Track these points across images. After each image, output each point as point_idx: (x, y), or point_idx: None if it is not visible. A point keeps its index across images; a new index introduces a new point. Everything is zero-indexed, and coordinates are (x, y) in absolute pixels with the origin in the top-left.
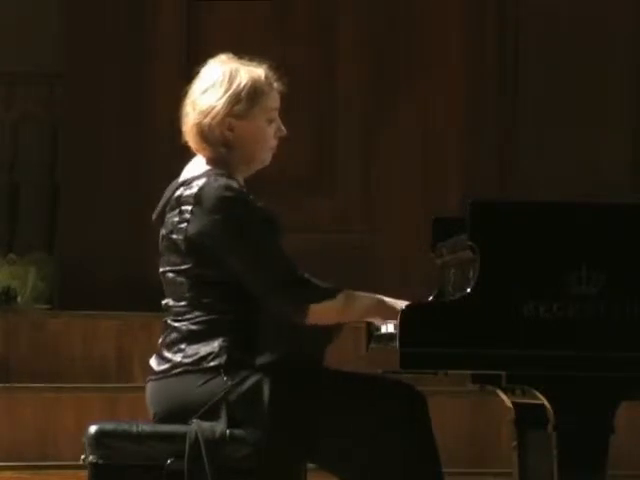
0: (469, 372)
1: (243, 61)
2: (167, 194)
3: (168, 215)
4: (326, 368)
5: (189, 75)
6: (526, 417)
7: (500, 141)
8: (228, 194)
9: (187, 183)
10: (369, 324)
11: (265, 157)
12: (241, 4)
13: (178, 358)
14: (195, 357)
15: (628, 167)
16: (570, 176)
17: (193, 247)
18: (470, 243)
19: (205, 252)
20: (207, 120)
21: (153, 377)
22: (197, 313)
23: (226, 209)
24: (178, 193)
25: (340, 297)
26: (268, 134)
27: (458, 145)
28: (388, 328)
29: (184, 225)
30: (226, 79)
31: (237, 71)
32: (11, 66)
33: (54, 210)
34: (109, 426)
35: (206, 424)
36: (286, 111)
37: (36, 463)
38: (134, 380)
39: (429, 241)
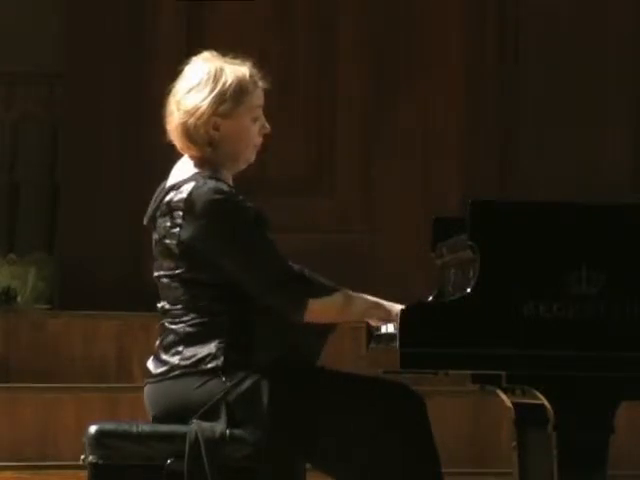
0: (469, 372)
1: (227, 59)
2: (157, 198)
3: (159, 220)
4: (325, 368)
5: None
6: (526, 417)
7: (500, 141)
8: (218, 197)
9: (176, 187)
10: (369, 324)
11: (249, 155)
12: (241, 4)
13: (176, 360)
14: (193, 359)
15: (628, 167)
16: (570, 176)
17: (186, 252)
18: (470, 243)
19: (198, 256)
20: (192, 120)
21: (151, 380)
22: (193, 315)
23: (217, 212)
24: (168, 198)
25: (338, 295)
26: (253, 132)
27: (458, 145)
28: (388, 328)
29: (176, 230)
30: (211, 78)
31: (222, 70)
32: (11, 66)
33: (54, 210)
34: (109, 426)
35: (206, 424)
36: (286, 111)
37: (36, 463)
38: (134, 380)
39: (429, 241)
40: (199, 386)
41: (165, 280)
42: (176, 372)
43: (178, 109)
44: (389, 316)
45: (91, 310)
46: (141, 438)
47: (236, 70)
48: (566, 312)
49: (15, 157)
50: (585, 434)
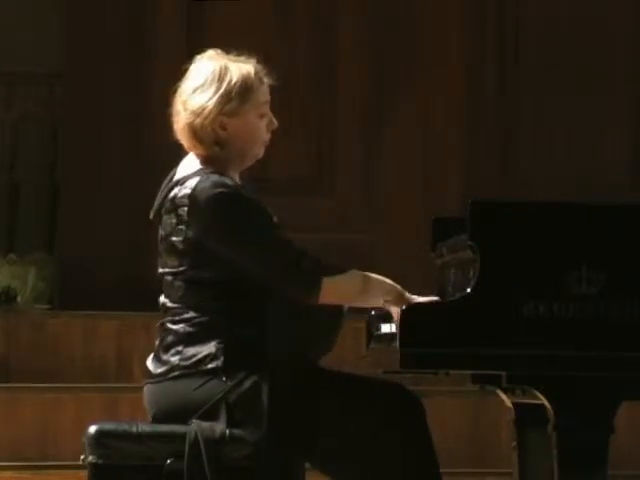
0: (469, 372)
1: (231, 56)
2: (162, 193)
3: (165, 217)
4: (325, 369)
5: None
6: (526, 417)
7: (500, 141)
8: (221, 190)
9: (181, 182)
10: (369, 324)
11: (258, 151)
12: (242, 4)
13: (176, 360)
14: (193, 359)
15: (628, 167)
16: (570, 176)
17: (192, 248)
18: (470, 243)
19: (203, 253)
20: (199, 120)
21: (151, 380)
22: (193, 314)
23: (221, 205)
24: (172, 194)
25: (354, 273)
26: (261, 129)
27: (458, 145)
28: (388, 328)
29: (182, 227)
30: (216, 77)
31: (226, 68)
32: (11, 66)
33: (54, 210)
34: (109, 426)
35: (206, 424)
36: (286, 111)
37: (36, 463)
38: (134, 380)
39: (429, 241)
40: (199, 386)
41: (169, 278)
42: (176, 372)
43: (185, 109)
44: (403, 301)
45: (91, 310)
46: (141, 438)
47: (241, 68)
48: (566, 312)
49: (15, 157)
50: (585, 434)
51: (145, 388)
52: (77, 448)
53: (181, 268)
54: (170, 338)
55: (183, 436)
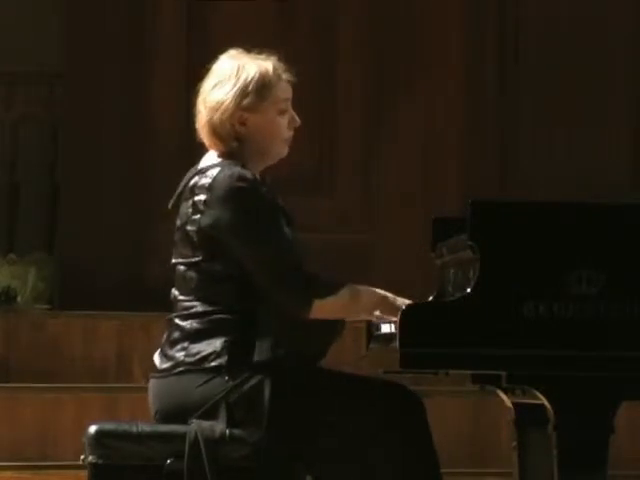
0: (469, 372)
1: (252, 55)
2: (183, 182)
3: (182, 205)
4: (325, 369)
5: (189, 75)
6: (526, 417)
7: (500, 141)
8: (241, 184)
9: (202, 171)
10: (369, 324)
11: (280, 149)
12: (242, 4)
13: (181, 357)
14: (197, 356)
15: (628, 167)
16: (570, 176)
17: (205, 239)
18: (470, 243)
19: (216, 244)
20: (218, 115)
21: (156, 374)
22: (202, 309)
23: (238, 199)
24: (193, 182)
25: (344, 293)
26: (281, 125)
27: (458, 145)
28: (388, 328)
29: (197, 217)
30: (234, 74)
31: (244, 65)
32: (11, 66)
33: (54, 210)
34: (109, 426)
35: (206, 424)
36: None
37: (36, 463)
38: (134, 380)
39: (429, 241)
40: (201, 384)
41: (181, 268)
42: (180, 368)
43: (205, 107)
44: (395, 310)
45: (91, 310)
46: (141, 438)
47: (259, 64)
48: (566, 312)
49: (15, 157)
50: (585, 434)
51: (150, 382)
52: (77, 448)
53: (194, 259)
54: (177, 334)
55: (183, 436)
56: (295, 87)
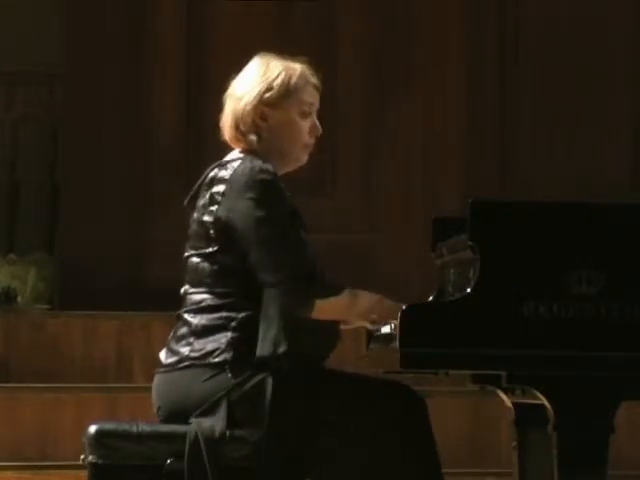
0: (469, 372)
1: (282, 57)
2: (202, 177)
3: (200, 198)
4: (327, 368)
5: (189, 75)
6: (526, 417)
7: (500, 141)
8: (262, 176)
9: (223, 164)
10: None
11: (299, 154)
12: (242, 4)
13: (186, 351)
14: (202, 351)
15: (628, 167)
16: (570, 176)
17: (221, 230)
18: (470, 243)
19: (231, 236)
20: (241, 106)
21: (161, 369)
22: (212, 303)
23: (258, 190)
24: (212, 174)
25: (344, 294)
26: (302, 128)
27: (458, 145)
28: (388, 328)
29: (214, 207)
30: (261, 69)
31: (272, 63)
32: (11, 66)
33: (54, 210)
34: (109, 426)
35: (206, 424)
36: None
37: (36, 463)
38: (134, 380)
39: (429, 241)
40: (204, 380)
41: (194, 260)
42: (185, 363)
43: (229, 100)
44: (393, 313)
45: (91, 310)
46: (141, 438)
47: (287, 65)
48: (566, 312)
49: (15, 157)
50: (585, 434)
51: (155, 378)
52: (77, 448)
53: (209, 249)
54: (184, 329)
55: (183, 436)
56: None
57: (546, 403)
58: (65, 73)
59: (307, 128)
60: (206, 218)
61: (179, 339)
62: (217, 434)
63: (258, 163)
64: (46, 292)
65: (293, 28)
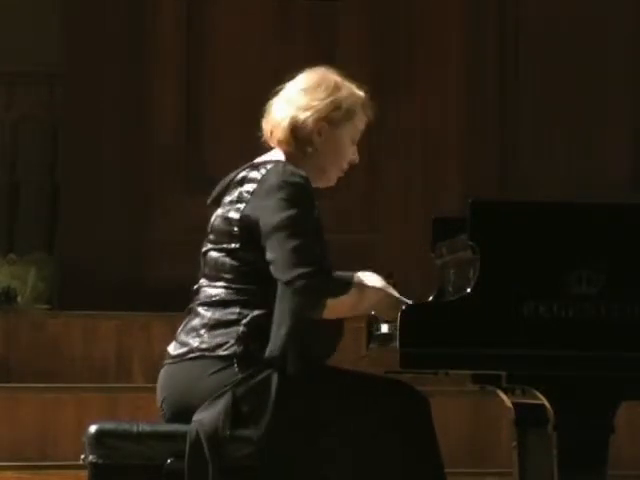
0: (469, 372)
1: (344, 77)
2: (230, 176)
3: (227, 195)
4: (329, 367)
5: (189, 75)
6: (526, 417)
7: (500, 141)
8: (293, 179)
9: (255, 166)
10: (369, 324)
11: (334, 175)
12: (242, 4)
13: (195, 343)
14: (211, 344)
15: (628, 167)
16: (570, 176)
17: (245, 227)
18: (470, 243)
19: (254, 232)
20: (305, 115)
21: (169, 361)
22: (227, 298)
23: (286, 192)
24: (242, 174)
25: (353, 292)
26: (348, 153)
27: (458, 145)
28: (388, 328)
29: (241, 205)
30: (331, 86)
31: (342, 84)
32: (11, 66)
33: (54, 210)
34: (109, 426)
35: (208, 422)
36: None
37: (36, 463)
38: (134, 380)
39: (429, 241)
40: (212, 373)
41: (214, 254)
42: (194, 354)
43: (289, 104)
44: (395, 308)
45: (91, 310)
46: (141, 438)
47: (355, 90)
48: (566, 312)
49: (15, 157)
50: (585, 434)
51: (162, 370)
52: (77, 448)
53: (232, 245)
54: (196, 321)
55: (183, 435)
56: None
57: (546, 403)
58: (65, 73)
59: (350, 153)
60: (232, 215)
61: (189, 331)
62: (219, 433)
63: (290, 168)
64: (46, 292)
65: (293, 28)
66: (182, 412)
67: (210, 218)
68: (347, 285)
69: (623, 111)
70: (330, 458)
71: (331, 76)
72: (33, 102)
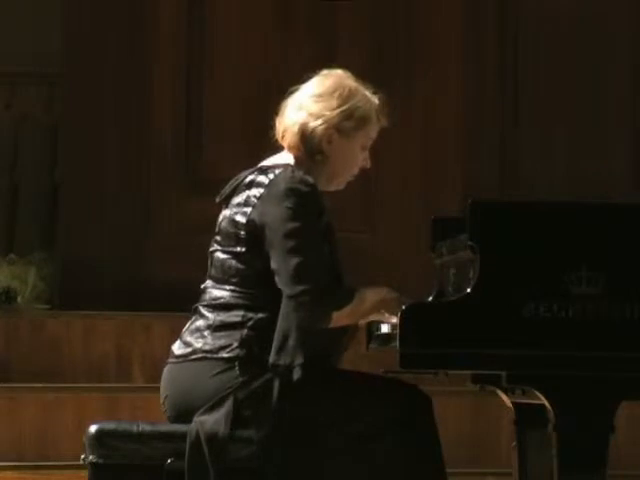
0: (469, 372)
1: (360, 82)
2: (239, 177)
3: (234, 198)
4: (332, 368)
5: (189, 75)
6: (526, 417)
7: (500, 141)
8: (301, 187)
9: (263, 170)
10: (369, 324)
11: (343, 181)
12: (242, 3)
13: (199, 344)
14: (214, 345)
15: (628, 167)
16: (570, 176)
17: (251, 232)
18: (470, 243)
19: (261, 239)
20: (314, 124)
21: (172, 360)
22: (232, 301)
23: (293, 199)
24: (251, 177)
25: (356, 301)
26: (358, 160)
27: (458, 145)
28: (388, 328)
29: (248, 209)
30: (344, 94)
31: (356, 91)
32: (11, 66)
33: (54, 210)
34: (109, 426)
35: (209, 423)
36: None
37: (36, 463)
38: (134, 380)
39: (429, 241)
40: (213, 375)
41: (221, 256)
42: (197, 355)
43: (300, 109)
44: (396, 308)
45: (91, 310)
46: (141, 438)
47: (369, 97)
48: (566, 312)
49: (15, 157)
50: (585, 434)
51: (165, 369)
52: (77, 448)
53: (239, 248)
54: (201, 322)
55: (184, 435)
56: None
57: (546, 403)
58: (65, 73)
59: (360, 160)
60: (239, 218)
61: (193, 332)
62: (220, 434)
63: (299, 174)
64: (46, 292)
65: (293, 28)
66: (183, 412)
67: (218, 217)
68: (351, 294)
69: (623, 111)
70: (331, 459)
71: (347, 82)
72: (33, 102)
